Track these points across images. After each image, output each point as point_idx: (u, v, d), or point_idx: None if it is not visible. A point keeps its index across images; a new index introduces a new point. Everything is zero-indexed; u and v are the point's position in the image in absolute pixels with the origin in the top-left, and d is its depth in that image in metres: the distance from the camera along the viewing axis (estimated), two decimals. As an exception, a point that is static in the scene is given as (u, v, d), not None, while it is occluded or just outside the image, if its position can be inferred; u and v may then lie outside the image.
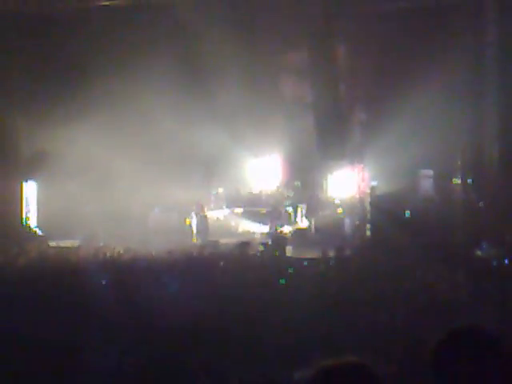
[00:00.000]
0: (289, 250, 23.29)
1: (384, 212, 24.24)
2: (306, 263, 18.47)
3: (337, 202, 28.38)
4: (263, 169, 30.22)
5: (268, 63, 28.65)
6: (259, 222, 28.21)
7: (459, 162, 26.51)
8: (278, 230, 26.47)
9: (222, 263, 18.23)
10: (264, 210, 28.72)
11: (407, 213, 24.73)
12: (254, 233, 27.53)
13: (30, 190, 28.81)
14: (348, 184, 28.10)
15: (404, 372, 7.41)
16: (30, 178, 28.64)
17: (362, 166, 27.40)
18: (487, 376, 3.00)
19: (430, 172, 27.50)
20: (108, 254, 20.69)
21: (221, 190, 30.20)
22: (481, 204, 24.68)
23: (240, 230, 28.45)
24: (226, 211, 29.44)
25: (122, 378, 8.68)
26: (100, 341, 9.60)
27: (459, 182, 26.42)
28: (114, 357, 9.06)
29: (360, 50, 27.42)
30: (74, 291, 12.92)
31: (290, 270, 16.81)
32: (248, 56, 27.57)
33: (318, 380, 2.96)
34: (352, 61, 28.06)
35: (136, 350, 9.46)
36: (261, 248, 22.40)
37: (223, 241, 24.84)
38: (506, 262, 16.40)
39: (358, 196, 27.25)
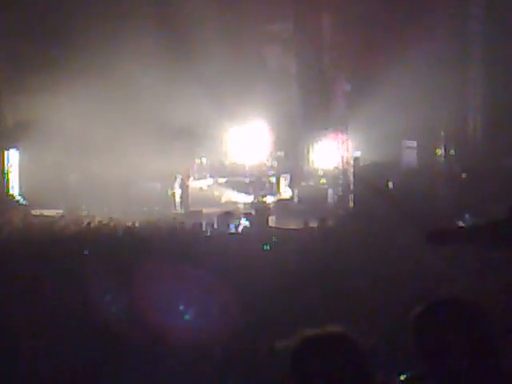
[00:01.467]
0: (272, 221, 23.32)
1: (367, 183, 24.27)
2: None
3: (320, 172, 28.35)
4: (247, 139, 30.12)
5: (252, 31, 28.45)
6: (242, 192, 28.20)
7: (442, 133, 26.55)
8: (261, 201, 26.48)
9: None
10: (247, 180, 28.71)
11: (390, 184, 24.78)
12: (237, 203, 27.51)
13: (12, 159, 28.61)
14: (331, 154, 28.06)
15: (386, 342, 7.47)
16: (13, 147, 28.43)
17: (345, 136, 27.37)
18: (467, 346, 3.03)
19: (414, 143, 27.53)
20: (91, 224, 20.66)
21: (204, 159, 30.09)
22: (463, 175, 24.78)
23: (223, 199, 28.42)
24: (210, 181, 29.38)
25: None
26: (82, 310, 9.62)
27: (442, 152, 26.48)
28: (93, 328, 9.09)
29: (345, 19, 27.29)
30: (57, 261, 12.90)
31: (274, 239, 16.83)
32: (232, 23, 27.37)
33: (300, 350, 2.98)
34: (337, 30, 27.93)
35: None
36: (244, 223, 22.25)
37: (206, 211, 24.83)
38: None
39: (341, 167, 27.24)
